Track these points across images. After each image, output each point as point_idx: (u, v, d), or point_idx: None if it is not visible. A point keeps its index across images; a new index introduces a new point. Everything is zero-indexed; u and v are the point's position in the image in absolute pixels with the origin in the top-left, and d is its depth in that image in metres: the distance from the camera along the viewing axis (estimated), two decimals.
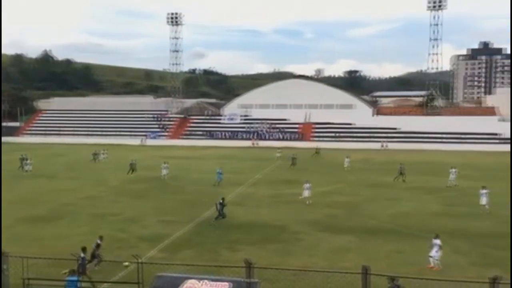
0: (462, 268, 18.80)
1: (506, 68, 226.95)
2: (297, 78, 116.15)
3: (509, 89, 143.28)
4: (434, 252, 19.27)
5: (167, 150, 72.99)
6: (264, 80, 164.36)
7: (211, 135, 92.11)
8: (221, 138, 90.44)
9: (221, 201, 27.01)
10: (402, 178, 41.67)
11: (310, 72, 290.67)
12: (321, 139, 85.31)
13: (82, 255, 16.56)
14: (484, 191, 29.93)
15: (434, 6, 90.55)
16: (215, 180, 39.92)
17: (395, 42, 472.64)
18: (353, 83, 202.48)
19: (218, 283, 13.00)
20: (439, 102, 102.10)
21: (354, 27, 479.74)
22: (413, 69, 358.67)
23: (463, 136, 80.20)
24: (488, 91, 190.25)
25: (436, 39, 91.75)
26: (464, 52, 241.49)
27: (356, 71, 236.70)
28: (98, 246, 18.47)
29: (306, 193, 32.04)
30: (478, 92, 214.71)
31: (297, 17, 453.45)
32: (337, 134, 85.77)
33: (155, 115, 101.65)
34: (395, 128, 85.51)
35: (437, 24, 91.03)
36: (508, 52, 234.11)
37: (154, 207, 30.75)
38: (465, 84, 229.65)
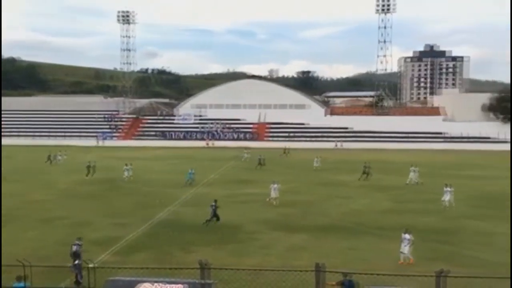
0: (412, 263, 19.42)
1: (449, 70, 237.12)
2: (251, 78, 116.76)
3: (452, 90, 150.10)
4: (403, 247, 19.70)
5: (119, 151, 71.39)
6: (218, 80, 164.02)
7: (164, 135, 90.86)
8: (175, 139, 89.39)
9: (213, 203, 26.44)
10: (366, 177, 42.52)
11: (264, 72, 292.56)
12: (275, 139, 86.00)
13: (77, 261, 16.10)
14: (448, 189, 30.97)
15: (383, 10, 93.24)
16: (185, 180, 39.80)
17: (346, 43, 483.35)
18: (306, 84, 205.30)
19: (172, 285, 12.82)
20: (388, 102, 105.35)
21: (306, 28, 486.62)
22: (363, 70, 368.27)
23: (410, 135, 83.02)
24: (433, 91, 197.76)
25: (384, 42, 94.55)
26: (410, 54, 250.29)
27: (308, 72, 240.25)
28: (78, 246, 18.06)
29: (273, 194, 31.79)
30: (424, 93, 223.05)
31: (250, 17, 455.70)
32: (291, 134, 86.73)
33: (106, 115, 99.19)
34: (346, 128, 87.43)
35: (385, 27, 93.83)
36: (452, 54, 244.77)
37: (106, 209, 29.98)
38: (412, 85, 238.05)
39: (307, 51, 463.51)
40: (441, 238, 23.36)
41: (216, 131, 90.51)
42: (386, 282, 14.34)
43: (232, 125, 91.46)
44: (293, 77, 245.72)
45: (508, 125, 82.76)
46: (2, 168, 44.78)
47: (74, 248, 17.80)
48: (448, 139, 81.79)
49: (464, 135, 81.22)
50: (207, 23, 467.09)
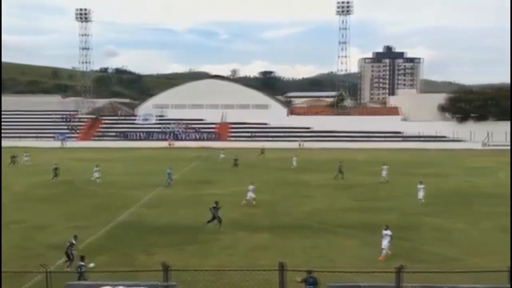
0: (372, 259, 19.83)
1: (407, 70, 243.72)
2: (213, 78, 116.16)
3: (409, 90, 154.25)
4: (386, 243, 20.18)
5: (78, 152, 69.63)
6: (180, 80, 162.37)
7: (125, 136, 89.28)
8: (136, 139, 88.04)
9: (214, 205, 25.80)
10: (341, 176, 43.03)
11: (226, 72, 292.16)
12: (237, 139, 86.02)
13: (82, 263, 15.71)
14: (421, 186, 31.90)
15: (343, 11, 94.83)
16: (166, 181, 39.39)
17: (308, 44, 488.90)
18: (268, 84, 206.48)
19: None
20: (348, 102, 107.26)
21: (268, 28, 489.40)
22: (324, 70, 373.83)
23: (370, 134, 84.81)
24: (391, 92, 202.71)
25: (344, 43, 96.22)
26: (370, 55, 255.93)
27: (271, 72, 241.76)
28: (72, 245, 18.50)
29: (250, 195, 31.53)
30: (383, 93, 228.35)
31: (212, 17, 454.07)
32: (253, 134, 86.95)
33: (64, 116, 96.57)
34: (308, 128, 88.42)
35: (345, 28, 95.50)
36: (408, 55, 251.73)
37: (65, 212, 29.16)
38: (372, 85, 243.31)
39: (269, 51, 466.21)
40: (400, 234, 23.90)
41: (178, 131, 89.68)
42: (347, 279, 14.58)
43: (194, 125, 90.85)
44: (255, 77, 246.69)
45: (463, 125, 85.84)
46: None
47: (67, 245, 18.48)
48: (407, 138, 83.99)
49: (422, 134, 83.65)
50: (168, 22, 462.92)
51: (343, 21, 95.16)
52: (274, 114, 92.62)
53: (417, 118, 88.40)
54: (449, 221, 26.87)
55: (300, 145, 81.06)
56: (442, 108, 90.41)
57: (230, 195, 35.33)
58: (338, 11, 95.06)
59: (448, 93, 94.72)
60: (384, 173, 41.89)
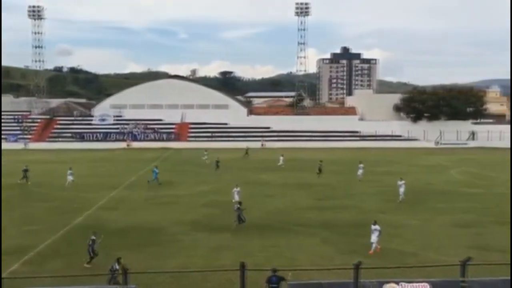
0: (331, 257, 20.18)
1: (364, 71, 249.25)
2: (172, 78, 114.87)
3: (365, 90, 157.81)
4: (375, 238, 20.82)
5: (31, 155, 67.30)
6: (138, 79, 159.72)
7: (81, 137, 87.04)
8: (93, 140, 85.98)
9: (238, 205, 26.06)
10: (319, 175, 43.93)
11: (185, 72, 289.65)
12: (197, 139, 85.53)
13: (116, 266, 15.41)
14: (401, 182, 32.63)
15: (301, 12, 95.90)
16: (152, 179, 39.87)
17: (267, 44, 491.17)
18: (228, 84, 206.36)
19: None
20: (307, 102, 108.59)
21: (228, 29, 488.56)
22: (283, 70, 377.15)
23: (328, 134, 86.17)
24: (349, 92, 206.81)
25: (303, 43, 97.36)
26: (328, 56, 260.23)
27: (230, 72, 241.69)
28: (94, 242, 18.95)
29: (236, 197, 30.52)
30: (341, 93, 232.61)
31: (171, 16, 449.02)
32: (213, 134, 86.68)
33: (16, 116, 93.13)
34: (268, 128, 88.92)
35: (304, 29, 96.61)
36: (364, 57, 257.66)
37: (17, 216, 28.11)
38: (330, 85, 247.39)
39: (228, 51, 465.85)
40: (358, 231, 24.45)
41: (137, 132, 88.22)
42: (308, 277, 14.78)
43: (153, 126, 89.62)
44: (215, 77, 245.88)
45: (416, 124, 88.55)
46: None
47: (88, 243, 19.09)
48: (364, 138, 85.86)
49: (378, 133, 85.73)
50: (126, 21, 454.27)
51: (301, 22, 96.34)
52: (234, 114, 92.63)
53: (373, 117, 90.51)
54: (404, 217, 27.67)
55: (262, 145, 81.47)
56: (397, 108, 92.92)
57: (189, 196, 35.14)
58: (296, 12, 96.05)
59: (402, 94, 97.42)
60: (360, 171, 42.55)
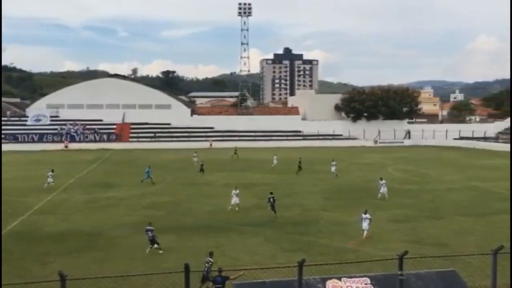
0: (274, 255, 20.40)
1: (306, 72, 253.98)
2: (112, 77, 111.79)
3: (307, 91, 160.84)
4: (366, 225, 22.78)
5: None
6: (75, 78, 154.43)
7: (15, 138, 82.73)
8: (27, 142, 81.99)
9: (271, 196, 27.79)
10: (297, 171, 45.62)
11: (125, 71, 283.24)
12: (139, 139, 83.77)
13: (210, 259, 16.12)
14: (383, 182, 33.69)
15: (244, 12, 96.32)
16: (145, 178, 40.27)
17: (210, 44, 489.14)
18: (170, 84, 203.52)
19: None
20: (250, 102, 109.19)
21: (169, 28, 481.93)
22: (226, 71, 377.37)
23: (271, 133, 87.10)
24: (291, 92, 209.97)
25: (246, 44, 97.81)
26: (270, 56, 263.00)
27: (173, 72, 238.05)
28: (151, 231, 20.98)
29: (235, 200, 29.68)
30: (284, 93, 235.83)
31: (110, 14, 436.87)
32: (156, 134, 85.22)
33: None
34: (211, 128, 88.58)
35: (247, 30, 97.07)
36: (306, 57, 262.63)
37: None
38: (273, 86, 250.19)
39: (170, 50, 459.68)
40: (300, 230, 24.90)
41: (76, 132, 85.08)
42: (252, 277, 14.84)
43: (93, 126, 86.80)
44: (157, 77, 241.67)
45: (356, 123, 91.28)
46: None
47: (150, 234, 21.06)
48: (306, 137, 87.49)
49: (320, 133, 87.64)
50: (62, 18, 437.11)
51: (244, 23, 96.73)
52: (177, 114, 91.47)
53: (315, 117, 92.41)
54: (345, 214, 28.46)
55: (210, 145, 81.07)
56: (338, 108, 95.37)
57: (129, 198, 34.36)
58: (239, 12, 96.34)
59: (343, 94, 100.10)
60: (333, 168, 43.58)
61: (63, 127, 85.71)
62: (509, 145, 73.99)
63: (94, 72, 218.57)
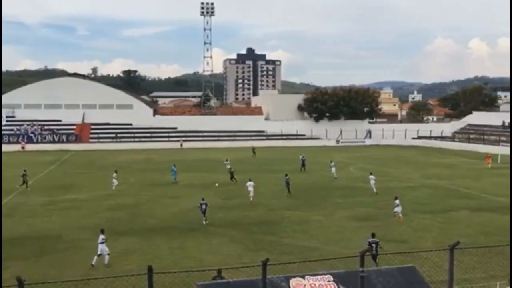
0: (238, 255, 20.44)
1: (269, 72, 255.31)
2: (71, 76, 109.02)
3: (270, 91, 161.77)
4: (397, 208, 26.68)
5: None
6: (32, 77, 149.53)
7: None
8: None
9: (286, 176, 34.68)
10: (303, 169, 47.51)
11: (85, 70, 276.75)
12: (100, 140, 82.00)
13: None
14: (372, 176, 35.67)
15: (207, 12, 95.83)
16: (173, 178, 40.98)
17: (172, 43, 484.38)
18: (132, 83, 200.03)
19: None
20: (214, 102, 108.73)
21: (130, 27, 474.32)
22: (189, 70, 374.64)
23: (235, 133, 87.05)
24: (255, 92, 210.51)
25: (209, 43, 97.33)
26: (234, 56, 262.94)
27: (134, 71, 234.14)
28: (205, 205, 25.94)
29: (250, 190, 32.23)
30: (248, 94, 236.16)
31: (69, 11, 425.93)
32: (117, 135, 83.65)
33: None
34: (174, 128, 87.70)
35: (210, 29, 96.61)
36: (269, 58, 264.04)
37: None
38: (236, 86, 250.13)
39: (132, 49, 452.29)
40: (264, 229, 25.03)
41: (33, 133, 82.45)
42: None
43: (51, 127, 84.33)
44: (118, 76, 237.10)
45: (319, 123, 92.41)
46: None
47: (203, 207, 25.98)
48: (270, 137, 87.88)
49: (283, 133, 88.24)
50: (18, 15, 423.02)
51: (207, 22, 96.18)
52: (139, 114, 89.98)
53: (278, 117, 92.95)
54: (308, 213, 28.80)
55: (181, 145, 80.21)
56: (301, 108, 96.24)
57: (90, 200, 33.65)
58: (202, 12, 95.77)
59: (305, 94, 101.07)
60: (333, 169, 43.81)
61: (20, 127, 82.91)
62: (465, 144, 76.76)
63: (52, 71, 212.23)
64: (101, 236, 19.76)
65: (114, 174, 39.03)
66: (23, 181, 38.49)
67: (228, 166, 47.67)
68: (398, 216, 27.12)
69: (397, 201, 27.74)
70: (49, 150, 73.47)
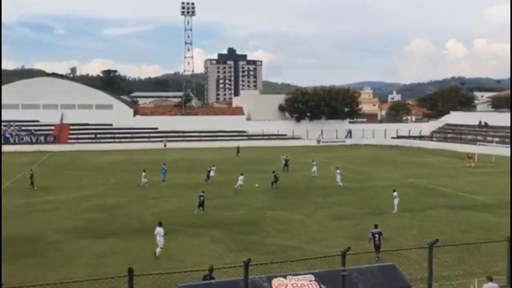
0: (220, 255, 20.40)
1: (250, 72, 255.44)
2: (50, 76, 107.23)
3: (251, 91, 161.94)
4: (395, 200, 28.38)
5: None
6: (9, 77, 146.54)
7: None
8: None
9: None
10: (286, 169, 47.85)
11: (64, 70, 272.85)
12: (79, 141, 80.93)
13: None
14: (338, 171, 38.30)
15: (188, 12, 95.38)
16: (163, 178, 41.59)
17: (152, 43, 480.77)
18: (112, 83, 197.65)
19: None
20: (195, 102, 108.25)
21: (110, 26, 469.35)
22: (170, 70, 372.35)
23: (216, 133, 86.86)
24: (236, 92, 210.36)
25: (190, 43, 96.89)
26: (215, 56, 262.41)
27: (114, 71, 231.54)
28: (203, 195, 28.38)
29: (240, 182, 36.58)
30: (229, 94, 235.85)
31: (46, 10, 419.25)
32: (97, 136, 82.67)
33: None
34: (155, 128, 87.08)
35: (190, 29, 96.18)
36: (250, 58, 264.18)
37: None
38: (217, 86, 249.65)
39: (111, 49, 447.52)
40: (245, 229, 25.04)
41: (10, 134, 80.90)
42: (198, 278, 14.77)
43: (29, 127, 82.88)
44: (98, 76, 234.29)
45: (300, 123, 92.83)
46: None
47: (201, 198, 28.44)
48: (251, 137, 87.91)
49: (265, 133, 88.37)
50: None
51: (188, 22, 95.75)
52: (119, 114, 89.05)
53: (260, 117, 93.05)
54: (289, 213, 28.92)
55: (165, 145, 79.61)
56: (282, 108, 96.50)
57: (69, 201, 33.20)
58: (183, 12, 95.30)
59: (286, 94, 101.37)
60: (314, 168, 44.59)
61: None
62: (442, 143, 77.99)
63: (29, 71, 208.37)
64: (160, 229, 20.61)
65: (143, 173, 39.60)
66: (31, 182, 38.72)
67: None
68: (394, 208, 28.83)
69: (395, 193, 29.37)
70: (26, 151, 72.22)
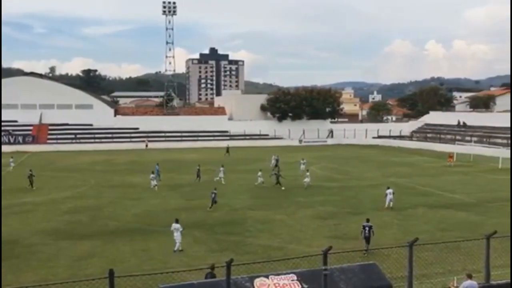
0: (202, 256, 20.32)
1: (232, 72, 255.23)
2: (28, 75, 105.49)
3: (233, 91, 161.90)
4: (389, 198, 29.34)
5: None
6: None
7: None
8: None
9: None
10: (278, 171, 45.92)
11: (43, 69, 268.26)
12: (59, 141, 79.75)
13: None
14: (307, 173, 39.21)
15: (169, 11, 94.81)
16: (155, 177, 39.13)
17: (134, 43, 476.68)
18: (92, 83, 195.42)
19: None
20: (177, 102, 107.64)
21: (90, 25, 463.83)
22: (151, 70, 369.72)
23: (198, 133, 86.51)
24: (218, 92, 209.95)
25: (171, 43, 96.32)
26: (196, 56, 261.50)
27: (94, 70, 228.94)
28: (215, 194, 29.39)
29: (221, 175, 39.57)
30: (211, 94, 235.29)
31: (24, 8, 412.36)
32: (77, 136, 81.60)
33: None
34: (136, 128, 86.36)
35: (172, 29, 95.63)
36: (232, 58, 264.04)
37: None
38: (199, 86, 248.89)
39: (91, 48, 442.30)
40: (227, 230, 24.99)
41: None
42: (180, 279, 14.68)
43: (7, 127, 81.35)
44: (77, 76, 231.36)
45: (282, 123, 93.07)
46: None
47: (213, 195, 29.49)
48: (233, 137, 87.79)
49: (247, 132, 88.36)
50: None
51: (169, 21, 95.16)
52: (100, 114, 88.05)
53: (242, 117, 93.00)
54: (271, 213, 28.95)
55: (146, 146, 78.87)
56: (264, 108, 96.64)
57: (48, 202, 32.69)
58: (164, 11, 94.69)
59: (268, 94, 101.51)
60: (302, 166, 46.00)
61: None
62: (422, 142, 79.00)
63: (7, 70, 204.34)
64: (177, 225, 21.21)
65: (151, 175, 38.82)
66: (30, 182, 38.31)
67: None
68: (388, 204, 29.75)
69: (388, 190, 30.06)
70: (4, 152, 70.86)
